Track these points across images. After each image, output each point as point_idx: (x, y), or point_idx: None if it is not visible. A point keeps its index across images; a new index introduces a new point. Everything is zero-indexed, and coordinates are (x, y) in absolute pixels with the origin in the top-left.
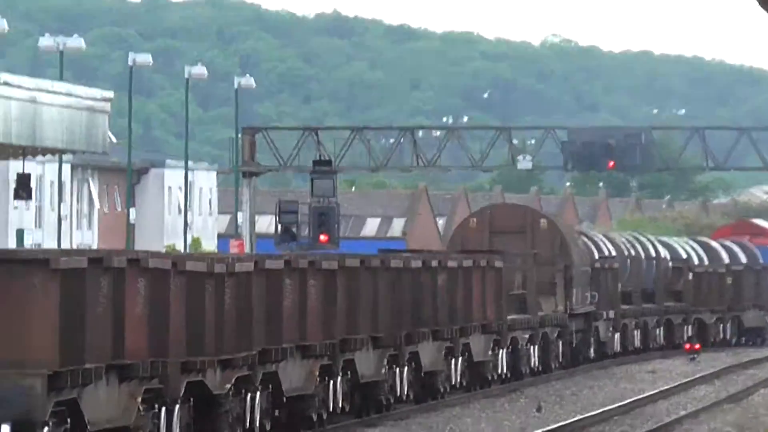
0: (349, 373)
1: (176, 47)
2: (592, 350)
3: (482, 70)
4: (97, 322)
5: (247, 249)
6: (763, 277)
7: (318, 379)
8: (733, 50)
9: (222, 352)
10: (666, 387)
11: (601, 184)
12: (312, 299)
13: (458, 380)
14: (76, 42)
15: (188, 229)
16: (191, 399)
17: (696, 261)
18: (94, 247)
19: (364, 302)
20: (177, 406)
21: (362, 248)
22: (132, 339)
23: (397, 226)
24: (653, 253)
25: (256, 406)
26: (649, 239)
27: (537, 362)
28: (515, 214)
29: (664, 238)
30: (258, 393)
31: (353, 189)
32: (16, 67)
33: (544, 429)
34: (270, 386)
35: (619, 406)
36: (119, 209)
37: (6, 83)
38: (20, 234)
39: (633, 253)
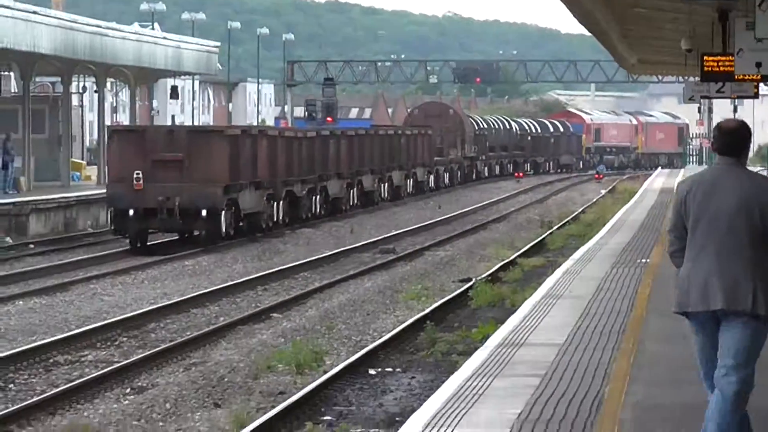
0: (357, 186)
1: (254, 19)
2: (474, 175)
3: (410, 33)
4: (245, 160)
5: (289, 124)
6: (571, 138)
7: (346, 189)
8: (540, 15)
9: (301, 175)
10: (504, 195)
11: (472, 90)
12: (343, 151)
13: (411, 189)
14: (201, 16)
15: (259, 114)
16: (287, 198)
17: (532, 130)
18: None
19: (368, 152)
20: (280, 201)
21: (350, 125)
22: (260, 169)
23: (367, 113)
24: (508, 126)
25: (318, 202)
26: (505, 119)
27: (447, 181)
28: (436, 107)
29: (517, 119)
30: (318, 195)
31: (344, 92)
32: (168, 31)
33: (439, 218)
34: (323, 192)
35: (482, 205)
36: (224, 104)
37: (164, 38)
38: (173, 117)
39: (496, 126)
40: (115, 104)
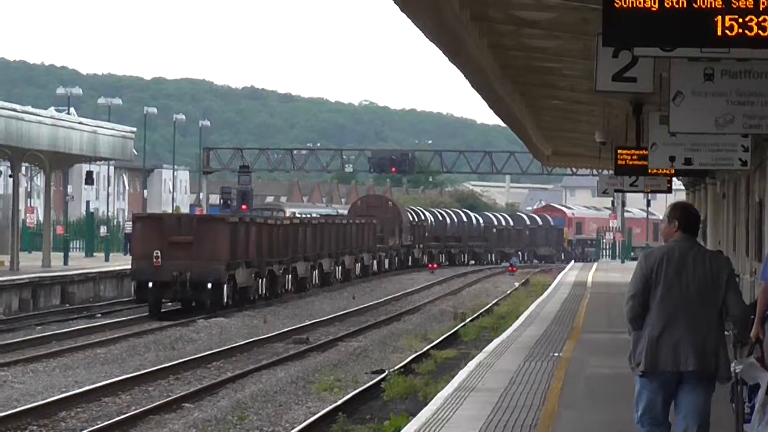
0: (318, 268)
1: (171, 105)
2: (410, 261)
3: (327, 120)
4: (240, 243)
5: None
6: (550, 231)
7: (310, 270)
8: (456, 105)
9: (279, 257)
10: (419, 286)
11: (388, 180)
12: (308, 237)
13: (358, 272)
14: (117, 101)
15: (174, 201)
16: (268, 275)
17: (501, 223)
18: (126, 210)
19: (327, 238)
20: (264, 278)
21: (264, 213)
22: (250, 250)
23: (283, 200)
24: (465, 219)
25: (289, 280)
26: (463, 212)
27: (387, 266)
28: (377, 199)
29: (486, 212)
30: (290, 274)
31: (259, 180)
32: (85, 115)
33: (353, 309)
34: (294, 272)
35: (394, 296)
36: (138, 191)
37: (81, 122)
38: (87, 203)
39: (441, 218)
40: (29, 189)
